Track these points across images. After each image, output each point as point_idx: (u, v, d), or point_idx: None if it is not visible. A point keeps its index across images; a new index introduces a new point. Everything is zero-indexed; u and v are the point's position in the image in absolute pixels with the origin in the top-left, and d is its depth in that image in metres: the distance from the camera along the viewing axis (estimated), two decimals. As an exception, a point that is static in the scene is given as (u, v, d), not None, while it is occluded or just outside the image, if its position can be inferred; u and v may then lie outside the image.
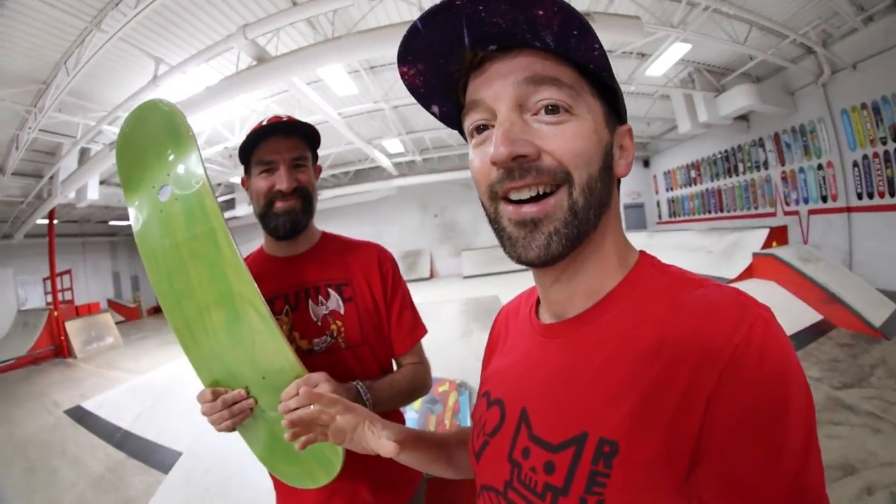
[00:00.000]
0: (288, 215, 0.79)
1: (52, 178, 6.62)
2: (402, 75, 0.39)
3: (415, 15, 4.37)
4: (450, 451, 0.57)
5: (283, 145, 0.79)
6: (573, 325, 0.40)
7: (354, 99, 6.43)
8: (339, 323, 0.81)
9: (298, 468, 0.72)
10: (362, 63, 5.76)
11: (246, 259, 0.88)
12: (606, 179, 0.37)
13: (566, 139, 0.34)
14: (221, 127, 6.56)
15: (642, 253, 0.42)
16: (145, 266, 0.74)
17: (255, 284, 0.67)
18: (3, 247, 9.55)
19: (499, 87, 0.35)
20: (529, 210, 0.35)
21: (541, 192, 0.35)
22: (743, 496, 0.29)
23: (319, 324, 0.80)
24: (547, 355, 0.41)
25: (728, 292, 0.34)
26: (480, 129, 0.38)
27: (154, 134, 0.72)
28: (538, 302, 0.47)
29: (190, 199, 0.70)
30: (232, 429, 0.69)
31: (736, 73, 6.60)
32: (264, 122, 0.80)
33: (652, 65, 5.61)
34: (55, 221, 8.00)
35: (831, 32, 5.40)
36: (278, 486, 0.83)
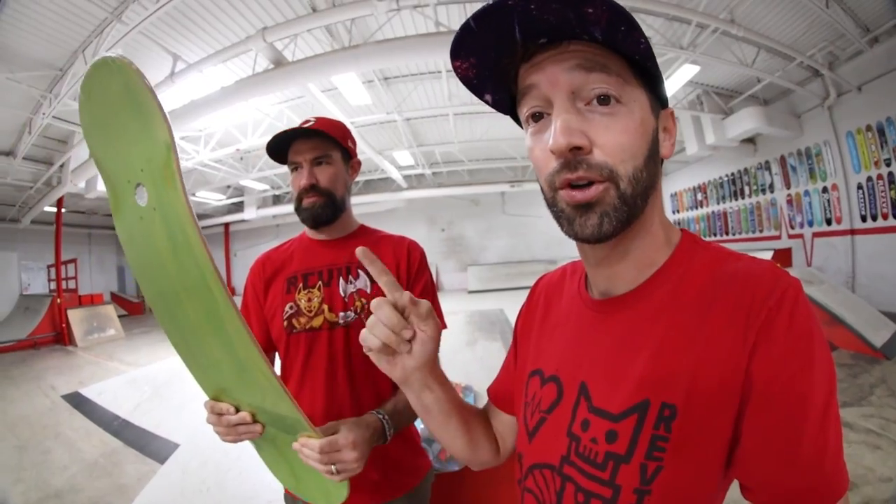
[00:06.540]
0: (308, 210, 0.88)
1: (62, 166, 6.68)
2: (456, 69, 0.42)
3: (430, 28, 4.47)
4: (472, 419, 0.56)
5: (305, 146, 0.88)
6: (629, 300, 0.42)
7: (367, 109, 6.44)
8: (363, 300, 0.88)
9: (307, 485, 0.68)
10: (377, 73, 5.80)
11: (290, 241, 0.97)
12: (652, 165, 0.40)
13: (616, 134, 0.37)
14: (234, 129, 6.58)
15: (685, 231, 0.45)
16: (136, 279, 0.59)
17: (258, 346, 0.52)
18: (9, 230, 9.61)
19: (552, 73, 0.37)
20: (583, 195, 0.37)
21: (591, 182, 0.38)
22: (775, 447, 0.33)
23: (346, 299, 0.88)
24: (604, 329, 0.43)
25: (764, 263, 0.38)
26: (536, 116, 0.40)
27: (113, 104, 0.50)
28: (586, 277, 0.48)
29: (170, 219, 0.49)
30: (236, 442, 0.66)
31: (744, 95, 6.64)
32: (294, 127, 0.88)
33: (661, 86, 5.68)
34: (63, 210, 8.03)
35: (837, 55, 5.46)
36: None
